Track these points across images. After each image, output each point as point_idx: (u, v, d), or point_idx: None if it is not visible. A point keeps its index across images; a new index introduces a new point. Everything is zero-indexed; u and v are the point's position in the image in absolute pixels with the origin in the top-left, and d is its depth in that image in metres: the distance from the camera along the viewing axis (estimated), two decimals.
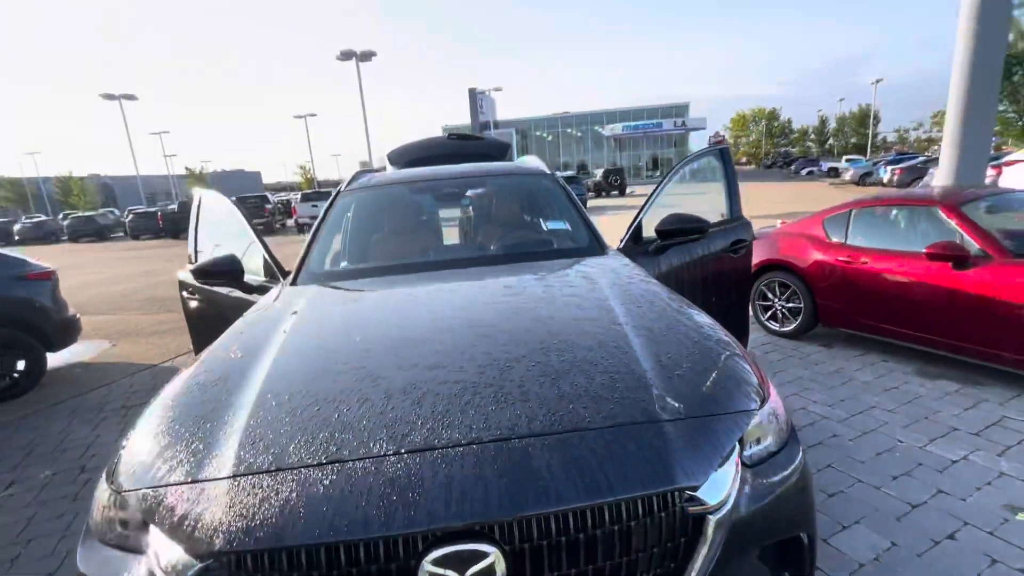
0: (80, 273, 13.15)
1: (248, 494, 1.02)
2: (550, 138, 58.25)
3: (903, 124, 78.37)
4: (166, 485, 1.09)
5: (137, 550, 1.09)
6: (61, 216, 34.43)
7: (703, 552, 1.07)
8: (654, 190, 3.03)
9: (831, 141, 77.54)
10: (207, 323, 3.12)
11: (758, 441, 1.26)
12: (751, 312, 4.30)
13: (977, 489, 2.38)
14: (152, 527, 1.05)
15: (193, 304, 3.11)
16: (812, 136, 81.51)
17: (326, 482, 1.03)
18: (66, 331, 4.93)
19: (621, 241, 2.85)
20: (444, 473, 1.03)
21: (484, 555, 0.96)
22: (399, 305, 1.88)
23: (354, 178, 3.14)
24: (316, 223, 2.68)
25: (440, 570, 0.95)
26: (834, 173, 35.25)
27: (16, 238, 28.20)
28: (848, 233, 4.20)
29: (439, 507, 0.97)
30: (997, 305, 3.24)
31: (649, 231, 2.84)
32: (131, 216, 26.16)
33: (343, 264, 2.58)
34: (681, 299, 1.82)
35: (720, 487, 1.09)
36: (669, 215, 2.67)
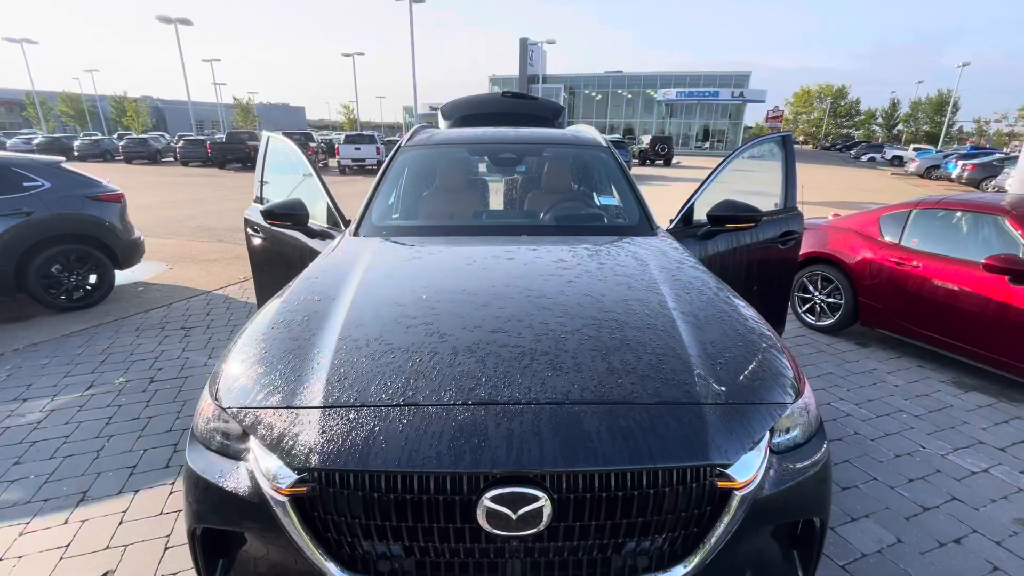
0: (137, 195, 13.75)
1: (337, 423, 1.19)
2: (599, 97, 55.96)
3: (984, 115, 72.20)
4: (265, 407, 1.27)
5: (236, 457, 1.28)
6: (116, 136, 35.57)
7: (724, 522, 1.20)
8: (709, 174, 3.01)
9: (900, 127, 72.26)
10: (268, 260, 3.34)
11: (788, 431, 1.36)
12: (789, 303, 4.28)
13: (992, 501, 2.43)
14: (252, 439, 1.24)
15: (256, 241, 3.32)
16: (880, 120, 76.05)
17: (404, 421, 1.18)
18: (132, 251, 5.31)
19: (671, 222, 2.88)
20: (505, 426, 1.17)
21: (535, 498, 1.11)
22: (460, 268, 2.00)
23: (415, 133, 3.21)
24: (378, 176, 2.79)
25: (496, 506, 1.10)
26: (898, 162, 33.13)
27: (76, 154, 29.37)
28: (904, 234, 4.09)
29: (501, 454, 1.12)
30: None
31: (700, 212, 2.85)
32: (182, 142, 26.85)
33: (402, 220, 2.71)
34: (728, 289, 1.89)
35: (748, 468, 1.21)
36: (722, 201, 2.67)
